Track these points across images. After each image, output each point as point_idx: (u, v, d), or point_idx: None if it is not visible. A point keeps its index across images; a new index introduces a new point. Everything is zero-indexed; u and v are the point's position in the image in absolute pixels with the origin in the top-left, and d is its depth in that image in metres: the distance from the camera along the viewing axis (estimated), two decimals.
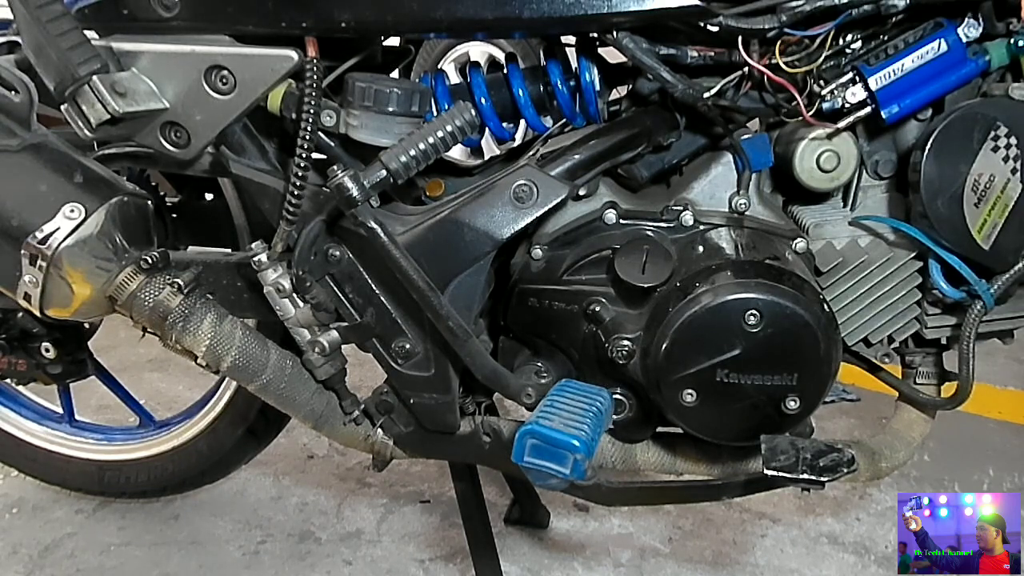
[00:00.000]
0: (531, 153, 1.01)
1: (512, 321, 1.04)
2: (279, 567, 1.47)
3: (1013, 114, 0.88)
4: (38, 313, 0.96)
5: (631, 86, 1.03)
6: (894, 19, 0.90)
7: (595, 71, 1.01)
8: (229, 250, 1.29)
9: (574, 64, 1.03)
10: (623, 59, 0.94)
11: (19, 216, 0.92)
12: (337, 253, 1.00)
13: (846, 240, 0.98)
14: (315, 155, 0.97)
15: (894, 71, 0.89)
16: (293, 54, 0.93)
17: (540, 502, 1.56)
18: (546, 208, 0.96)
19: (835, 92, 0.91)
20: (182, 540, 1.54)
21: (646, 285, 0.92)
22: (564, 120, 1.09)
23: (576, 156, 0.97)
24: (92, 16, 0.99)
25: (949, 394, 1.02)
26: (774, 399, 0.90)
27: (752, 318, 0.87)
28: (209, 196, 1.39)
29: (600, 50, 1.03)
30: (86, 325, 1.39)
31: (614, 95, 1.09)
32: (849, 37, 0.91)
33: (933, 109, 0.93)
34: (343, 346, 1.05)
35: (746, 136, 1.00)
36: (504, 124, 1.11)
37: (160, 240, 1.05)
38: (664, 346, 0.90)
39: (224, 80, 0.95)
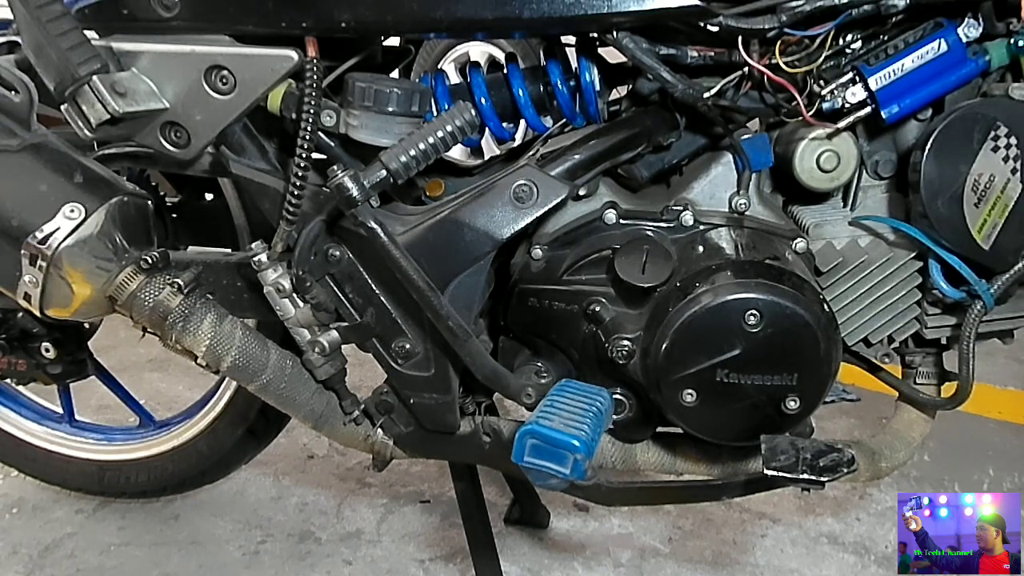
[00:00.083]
0: (531, 153, 1.01)
1: (512, 321, 1.04)
2: (279, 567, 1.47)
3: (1013, 114, 0.88)
4: (38, 313, 0.96)
5: (631, 86, 1.03)
6: (894, 19, 0.90)
7: (595, 71, 1.01)
8: (229, 250, 1.28)
9: (574, 64, 1.03)
10: (623, 59, 0.94)
11: (19, 216, 0.92)
12: (337, 253, 1.00)
13: (846, 240, 0.98)
14: (315, 155, 0.97)
15: (894, 71, 0.89)
16: (293, 54, 0.93)
17: (540, 502, 1.56)
18: (546, 208, 0.96)
19: (835, 92, 0.91)
20: (182, 540, 1.54)
21: (646, 285, 0.92)
22: (564, 120, 1.08)
23: (576, 156, 0.97)
24: (92, 16, 0.99)
25: (949, 394, 1.02)
26: (774, 399, 0.90)
27: (752, 318, 0.87)
28: (209, 196, 1.39)
29: (600, 50, 1.03)
30: (86, 325, 1.39)
31: (614, 95, 1.09)
32: (849, 37, 0.91)
33: (933, 109, 0.93)
34: (343, 346, 1.05)
35: (746, 136, 1.00)
36: (504, 124, 1.11)
37: (160, 240, 1.05)
38: (664, 346, 0.90)
39: (224, 80, 0.95)
